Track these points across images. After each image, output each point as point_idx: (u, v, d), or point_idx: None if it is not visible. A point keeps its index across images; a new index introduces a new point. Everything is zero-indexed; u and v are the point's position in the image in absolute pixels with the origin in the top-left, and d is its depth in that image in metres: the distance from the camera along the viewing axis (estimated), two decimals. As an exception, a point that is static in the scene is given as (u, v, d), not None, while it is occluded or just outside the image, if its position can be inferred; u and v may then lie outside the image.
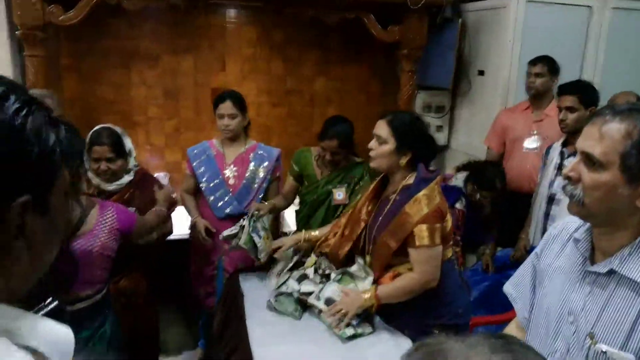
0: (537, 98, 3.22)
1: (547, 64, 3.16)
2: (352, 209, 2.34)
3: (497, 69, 3.55)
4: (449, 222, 2.11)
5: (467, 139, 3.96)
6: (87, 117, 3.61)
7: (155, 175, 3.64)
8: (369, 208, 2.23)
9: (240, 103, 2.83)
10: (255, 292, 2.38)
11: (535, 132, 3.18)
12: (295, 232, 2.79)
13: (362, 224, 2.22)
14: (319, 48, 4.02)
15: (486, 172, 3.00)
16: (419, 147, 2.08)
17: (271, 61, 3.97)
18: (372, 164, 2.14)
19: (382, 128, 2.09)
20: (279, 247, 2.49)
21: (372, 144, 2.11)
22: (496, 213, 3.08)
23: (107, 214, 2.08)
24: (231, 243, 2.56)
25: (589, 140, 1.10)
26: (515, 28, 3.43)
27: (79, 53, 3.65)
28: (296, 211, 3.08)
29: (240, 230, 2.52)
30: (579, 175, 1.12)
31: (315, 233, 2.47)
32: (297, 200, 3.04)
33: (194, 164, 2.90)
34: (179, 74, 3.83)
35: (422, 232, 1.98)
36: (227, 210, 2.85)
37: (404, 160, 2.07)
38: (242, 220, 2.57)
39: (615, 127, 1.07)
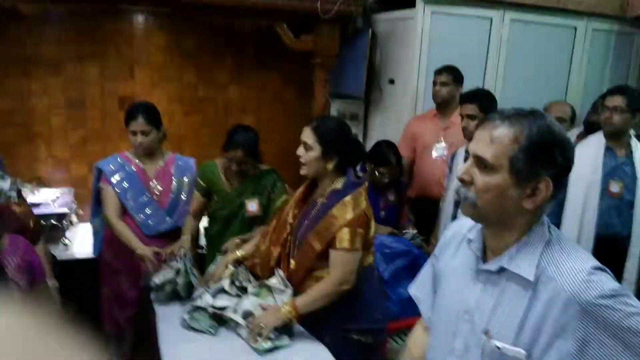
0: (443, 106, 3.36)
1: (452, 73, 3.31)
2: (279, 212, 2.32)
3: (407, 77, 3.66)
4: (373, 229, 2.15)
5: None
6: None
7: (59, 190, 3.44)
8: (296, 212, 2.23)
9: (154, 117, 2.68)
10: (169, 309, 2.29)
11: (442, 139, 3.31)
12: (216, 254, 2.60)
13: (288, 228, 2.21)
14: (233, 56, 3.96)
15: (379, 149, 3.15)
16: (344, 151, 2.11)
17: (182, 69, 3.86)
18: (302, 171, 2.14)
19: (307, 135, 2.11)
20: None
21: (300, 150, 2.12)
22: (402, 197, 3.23)
23: None
24: (151, 284, 2.37)
25: (480, 144, 1.15)
26: (422, 38, 3.56)
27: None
28: (205, 229, 2.94)
29: (176, 274, 2.37)
30: (471, 178, 1.16)
31: (242, 252, 2.37)
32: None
33: (113, 181, 2.69)
34: (84, 82, 3.64)
35: (343, 234, 2.02)
36: (160, 228, 2.72)
37: (330, 165, 2.10)
38: (172, 264, 2.43)
39: (504, 132, 1.12)
